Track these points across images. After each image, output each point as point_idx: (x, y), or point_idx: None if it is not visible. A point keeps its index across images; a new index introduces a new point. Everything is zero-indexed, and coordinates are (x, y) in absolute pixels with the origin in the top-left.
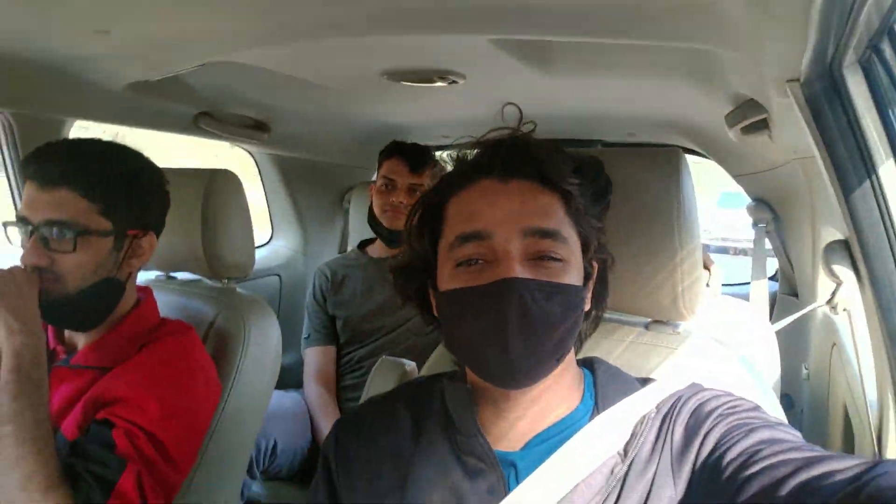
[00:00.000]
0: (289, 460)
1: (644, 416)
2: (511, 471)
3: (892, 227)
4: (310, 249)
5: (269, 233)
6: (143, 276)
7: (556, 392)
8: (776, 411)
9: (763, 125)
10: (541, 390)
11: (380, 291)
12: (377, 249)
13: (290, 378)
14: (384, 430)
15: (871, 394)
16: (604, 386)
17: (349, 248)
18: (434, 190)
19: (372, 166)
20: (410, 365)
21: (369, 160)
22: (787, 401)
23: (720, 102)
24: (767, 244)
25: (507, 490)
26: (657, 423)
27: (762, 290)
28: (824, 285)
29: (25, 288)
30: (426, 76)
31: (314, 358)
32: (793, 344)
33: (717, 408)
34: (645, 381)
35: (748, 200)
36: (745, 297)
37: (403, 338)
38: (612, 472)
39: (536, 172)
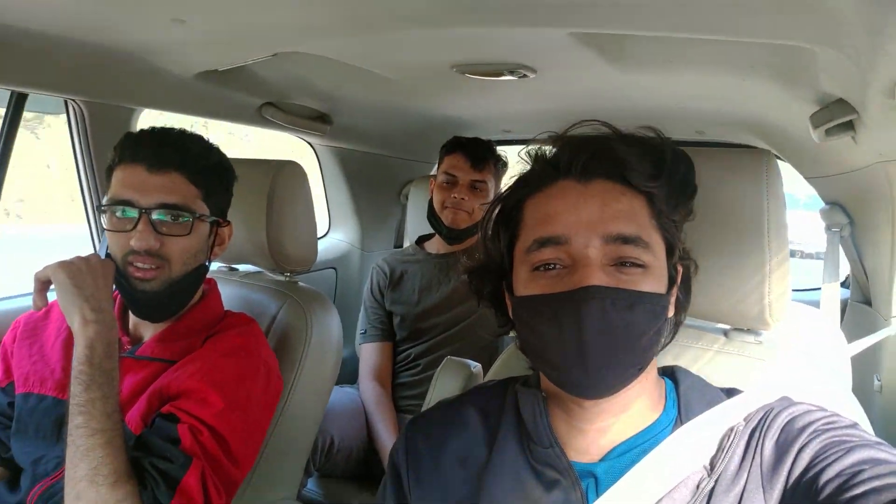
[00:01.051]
0: (344, 458)
1: (732, 429)
2: (591, 482)
3: None
4: (366, 243)
5: (327, 225)
6: None
7: (637, 402)
8: (867, 426)
9: (849, 126)
10: (620, 400)
11: (438, 288)
12: (435, 245)
13: (344, 374)
14: (456, 435)
15: None
16: (687, 396)
17: (406, 244)
18: (511, 190)
19: (431, 160)
20: (476, 366)
21: (429, 154)
22: None
23: (804, 102)
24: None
25: (587, 503)
26: (745, 438)
27: (834, 296)
28: None
29: (101, 276)
30: (496, 70)
31: (370, 354)
32: (863, 354)
33: (811, 423)
34: (730, 392)
35: (820, 203)
36: (814, 304)
37: (461, 336)
38: (697, 487)
39: (618, 173)
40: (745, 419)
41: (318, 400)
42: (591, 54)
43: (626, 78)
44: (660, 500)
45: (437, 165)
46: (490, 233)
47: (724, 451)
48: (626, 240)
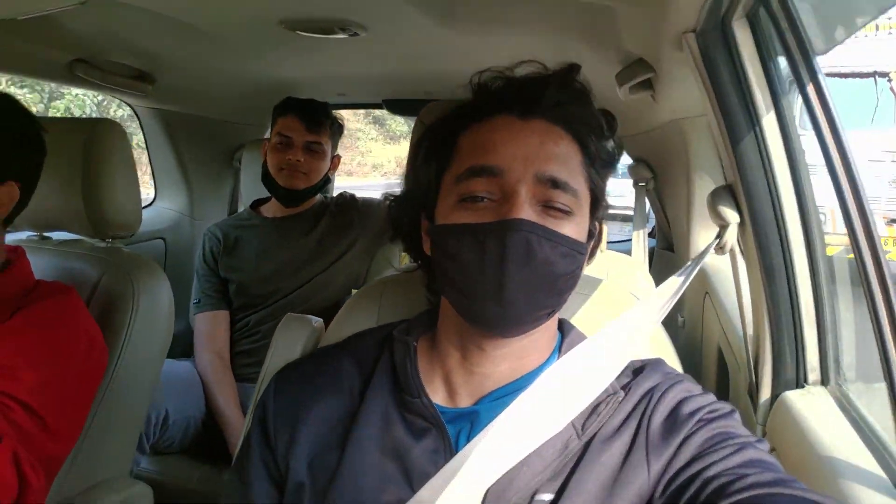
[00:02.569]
0: (181, 433)
1: (608, 395)
2: (465, 427)
3: (772, 172)
4: (197, 211)
5: (153, 193)
6: (12, 238)
7: (531, 350)
8: (675, 359)
9: (648, 85)
10: (522, 343)
11: (276, 253)
12: (272, 209)
13: (178, 347)
14: (328, 385)
15: (750, 331)
16: (570, 346)
17: (241, 209)
18: (448, 118)
19: (264, 123)
20: (317, 321)
21: (261, 117)
22: None
23: (611, 62)
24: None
25: (454, 450)
26: (628, 407)
27: (642, 243)
28: (698, 238)
29: None
30: (327, 26)
31: (205, 324)
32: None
33: (698, 410)
34: None
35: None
36: (627, 253)
37: (301, 300)
38: (566, 446)
39: (561, 117)
40: (623, 388)
41: (149, 371)
42: (418, 12)
43: (456, 39)
44: (528, 456)
45: (270, 128)
46: (421, 159)
47: (598, 416)
48: (556, 183)
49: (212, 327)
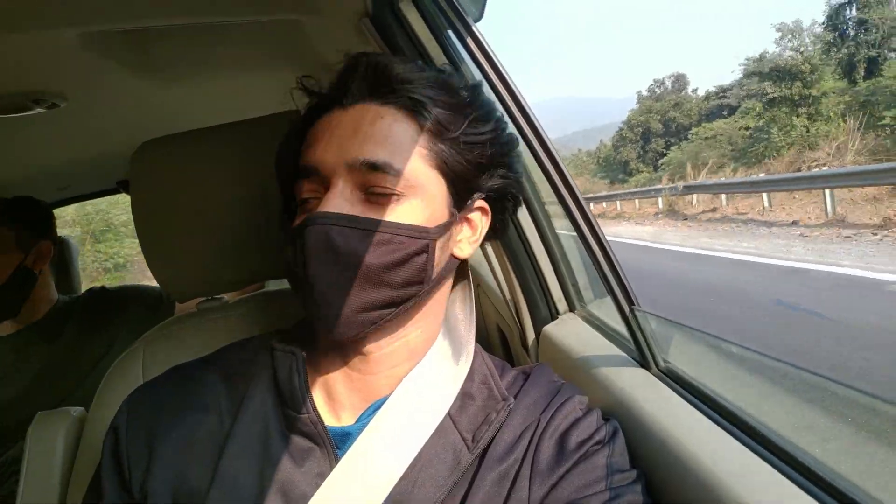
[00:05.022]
0: None
1: (498, 401)
2: (347, 446)
3: None
4: None
5: None
6: None
7: (405, 355)
8: None
9: None
10: (385, 350)
11: (19, 373)
12: (3, 327)
13: None
14: (192, 405)
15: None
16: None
17: None
18: (289, 133)
19: None
20: (78, 410)
21: None
22: None
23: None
24: None
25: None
26: (519, 420)
27: None
28: None
29: None
30: (19, 102)
31: None
32: None
33: (584, 441)
34: None
35: None
36: None
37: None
38: (457, 461)
39: (378, 91)
40: (514, 395)
41: None
42: (116, 69)
43: (168, 92)
44: (418, 475)
45: None
46: (278, 183)
47: (490, 425)
48: (373, 166)
49: None
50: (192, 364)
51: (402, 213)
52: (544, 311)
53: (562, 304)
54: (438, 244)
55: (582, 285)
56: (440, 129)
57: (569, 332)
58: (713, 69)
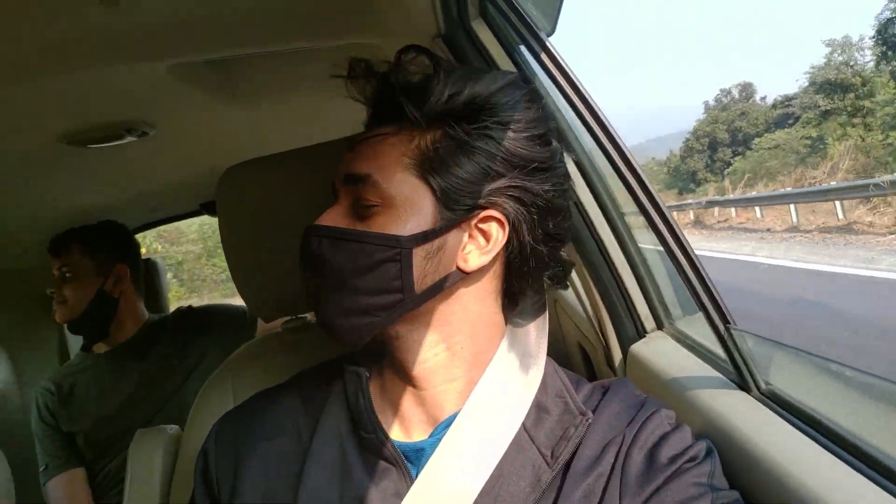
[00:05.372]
0: None
1: (576, 417)
2: (422, 464)
3: None
4: (26, 376)
5: None
6: None
7: (459, 367)
8: None
9: None
10: (428, 364)
11: (116, 388)
12: (101, 345)
13: None
14: (274, 426)
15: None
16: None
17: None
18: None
19: None
20: (173, 428)
21: None
22: None
23: None
24: None
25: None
26: (600, 433)
27: None
28: None
29: None
30: (113, 131)
31: (60, 490)
32: None
33: (676, 457)
34: None
35: None
36: None
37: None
38: (537, 478)
39: (374, 116)
40: (592, 409)
41: None
42: (200, 95)
43: (248, 114)
44: (497, 495)
45: None
46: None
47: (569, 440)
48: (355, 178)
49: (68, 491)
50: (272, 389)
51: (380, 223)
52: (630, 329)
53: (649, 322)
54: (419, 253)
55: (669, 300)
56: (426, 148)
57: (658, 350)
58: (780, 78)
